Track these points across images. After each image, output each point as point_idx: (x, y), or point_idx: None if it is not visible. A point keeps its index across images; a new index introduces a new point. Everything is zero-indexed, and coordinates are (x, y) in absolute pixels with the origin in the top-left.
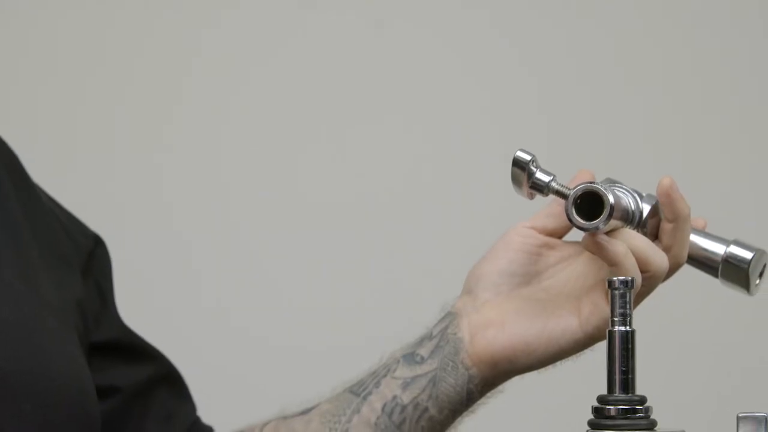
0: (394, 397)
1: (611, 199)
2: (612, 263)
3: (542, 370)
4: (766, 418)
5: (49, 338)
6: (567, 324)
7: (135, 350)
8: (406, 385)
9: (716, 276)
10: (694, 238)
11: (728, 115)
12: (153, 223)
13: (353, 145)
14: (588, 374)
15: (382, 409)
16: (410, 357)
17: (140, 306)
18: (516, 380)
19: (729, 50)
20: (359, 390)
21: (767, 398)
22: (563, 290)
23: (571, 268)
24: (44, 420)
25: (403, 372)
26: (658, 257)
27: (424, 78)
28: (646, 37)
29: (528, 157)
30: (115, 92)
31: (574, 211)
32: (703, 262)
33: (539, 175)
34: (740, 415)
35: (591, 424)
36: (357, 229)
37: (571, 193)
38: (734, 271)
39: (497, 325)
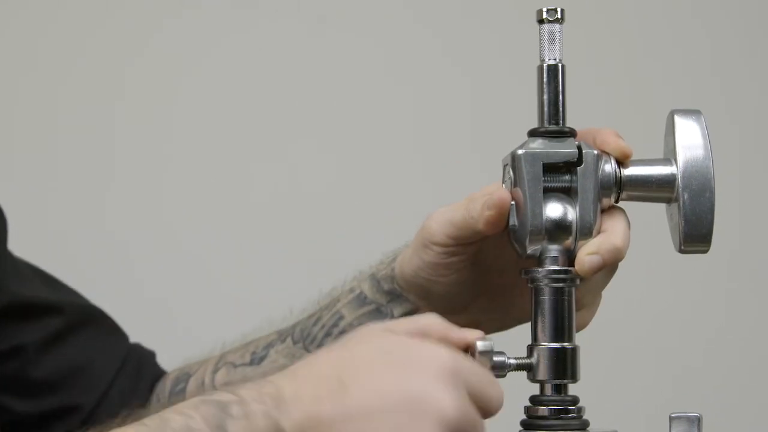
0: None
1: None
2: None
3: None
4: (698, 418)
5: None
6: (523, 308)
7: (36, 307)
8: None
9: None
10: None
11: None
12: (92, 222)
13: (293, 143)
14: (520, 375)
15: None
16: (357, 300)
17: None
18: None
19: (665, 55)
20: (314, 347)
21: (700, 398)
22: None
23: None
24: None
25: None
26: (619, 246)
27: (364, 75)
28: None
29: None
30: (53, 92)
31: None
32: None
33: (496, 358)
34: (672, 415)
35: (523, 424)
36: (293, 226)
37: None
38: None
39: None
